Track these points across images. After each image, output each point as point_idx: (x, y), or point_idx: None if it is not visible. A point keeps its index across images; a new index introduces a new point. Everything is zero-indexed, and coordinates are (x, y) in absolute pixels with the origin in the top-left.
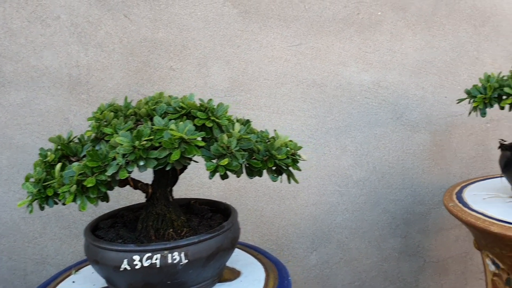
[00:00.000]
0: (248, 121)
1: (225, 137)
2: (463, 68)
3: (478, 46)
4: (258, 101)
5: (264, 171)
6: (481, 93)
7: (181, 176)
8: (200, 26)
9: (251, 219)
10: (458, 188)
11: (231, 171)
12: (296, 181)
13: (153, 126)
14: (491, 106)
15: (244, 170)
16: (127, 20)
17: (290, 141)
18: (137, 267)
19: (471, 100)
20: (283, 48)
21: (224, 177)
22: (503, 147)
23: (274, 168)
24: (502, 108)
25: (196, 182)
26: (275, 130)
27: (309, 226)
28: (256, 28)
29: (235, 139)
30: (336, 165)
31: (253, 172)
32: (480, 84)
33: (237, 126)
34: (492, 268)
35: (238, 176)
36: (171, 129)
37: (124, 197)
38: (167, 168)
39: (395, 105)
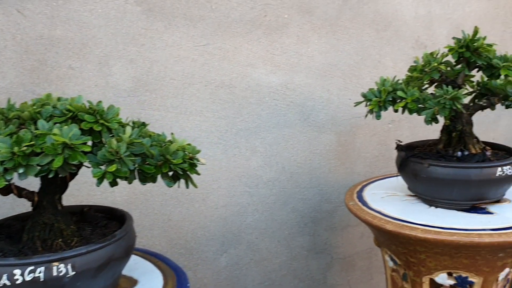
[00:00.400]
0: (143, 124)
1: (113, 141)
2: (366, 71)
3: (380, 50)
4: (165, 102)
5: (159, 177)
6: (376, 97)
7: (82, 181)
8: (101, 23)
9: (158, 224)
10: (360, 187)
11: (120, 177)
12: (194, 185)
13: (36, 131)
14: (386, 109)
15: (137, 176)
16: (21, 15)
17: (188, 144)
18: (18, 282)
19: (367, 103)
20: (189, 48)
21: (113, 184)
22: (399, 147)
23: (170, 173)
24: (396, 111)
25: (98, 186)
26: (172, 134)
27: (219, 228)
28: (161, 27)
29: (124, 143)
30: (246, 166)
31: (146, 178)
32: (376, 88)
33: (128, 130)
34: (390, 264)
35: (129, 183)
36: (54, 134)
37: (21, 204)
38: (50, 176)
39: (302, 106)
